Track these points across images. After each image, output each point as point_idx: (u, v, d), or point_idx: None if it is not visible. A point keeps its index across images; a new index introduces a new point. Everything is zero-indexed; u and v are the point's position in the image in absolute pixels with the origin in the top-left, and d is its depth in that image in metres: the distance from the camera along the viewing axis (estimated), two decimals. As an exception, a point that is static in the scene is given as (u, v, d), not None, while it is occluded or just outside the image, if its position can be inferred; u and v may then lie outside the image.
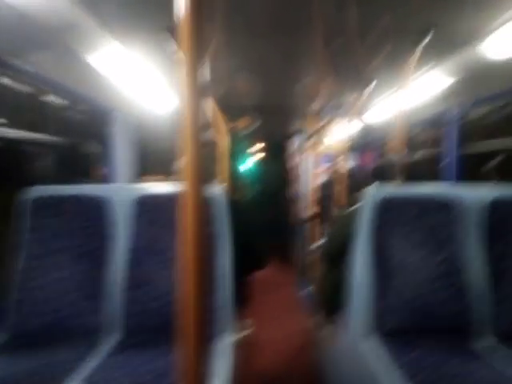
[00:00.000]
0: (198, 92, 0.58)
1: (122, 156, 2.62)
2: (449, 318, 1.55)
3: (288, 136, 5.98)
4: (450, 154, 2.81)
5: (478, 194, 1.71)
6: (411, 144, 3.66)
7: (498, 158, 2.61)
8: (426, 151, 3.61)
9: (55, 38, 1.55)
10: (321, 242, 3.22)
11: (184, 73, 0.57)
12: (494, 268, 1.61)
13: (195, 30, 0.56)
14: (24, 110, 1.94)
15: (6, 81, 1.73)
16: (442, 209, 1.65)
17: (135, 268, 1.62)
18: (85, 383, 1.22)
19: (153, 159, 3.77)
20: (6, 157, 1.87)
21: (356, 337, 1.71)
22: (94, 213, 1.68)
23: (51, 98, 2.05)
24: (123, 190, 1.82)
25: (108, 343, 1.52)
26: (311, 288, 3.87)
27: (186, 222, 0.59)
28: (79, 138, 2.26)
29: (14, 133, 1.78)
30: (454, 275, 1.58)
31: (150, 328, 1.57)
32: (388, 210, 1.64)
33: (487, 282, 1.61)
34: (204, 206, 0.60)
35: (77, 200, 1.67)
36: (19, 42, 1.53)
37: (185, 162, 0.59)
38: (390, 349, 1.43)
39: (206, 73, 2.22)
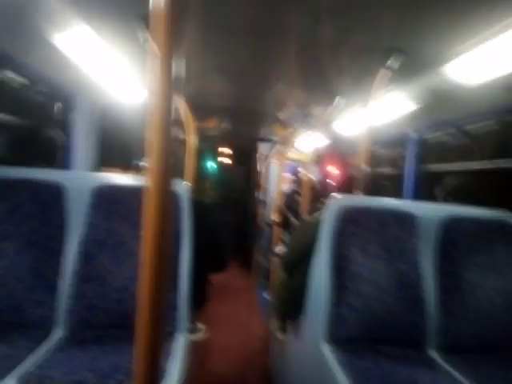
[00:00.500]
0: (171, 85, 0.56)
1: (82, 144, 2.49)
2: (400, 330, 1.60)
3: (256, 141, 6.01)
4: (409, 172, 2.95)
5: (434, 210, 1.80)
6: (374, 161, 3.82)
7: (452, 179, 2.77)
8: (387, 168, 3.77)
9: (20, 13, 1.45)
10: (281, 247, 3.24)
11: (157, 64, 0.55)
12: (445, 282, 1.69)
13: (170, 20, 0.55)
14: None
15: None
16: (400, 222, 1.71)
17: (86, 262, 1.53)
18: (16, 382, 1.13)
19: (114, 151, 3.63)
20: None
21: (310, 343, 1.72)
22: (48, 199, 1.57)
23: (9, 75, 1.91)
24: (81, 177, 1.73)
25: (49, 339, 1.42)
26: (269, 293, 3.88)
27: (150, 216, 0.56)
28: (38, 120, 2.12)
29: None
30: (407, 288, 1.64)
31: (95, 326, 1.49)
32: (349, 219, 1.68)
33: (437, 296, 1.68)
34: (169, 202, 0.58)
35: (29, 184, 1.56)
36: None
37: (153, 155, 0.56)
38: (341, 357, 1.46)
39: (179, 68, 2.17)
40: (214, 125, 3.40)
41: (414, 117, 2.64)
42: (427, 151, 2.93)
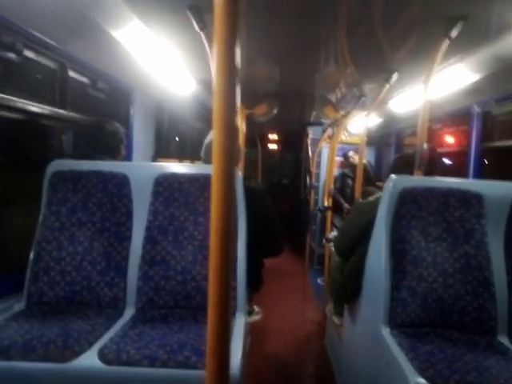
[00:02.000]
0: (236, 72, 0.57)
1: (141, 136, 2.64)
2: (466, 314, 1.53)
3: (306, 125, 5.92)
4: (474, 149, 2.75)
5: (500, 189, 1.67)
6: (434, 138, 3.60)
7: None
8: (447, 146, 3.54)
9: (80, 14, 1.54)
10: (334, 232, 3.21)
11: (220, 53, 0.55)
12: None
13: (233, 7, 0.54)
14: (48, 85, 1.95)
15: (31, 54, 1.73)
16: (464, 203, 1.62)
17: (151, 246, 1.64)
18: (97, 355, 1.24)
19: (170, 141, 3.78)
20: (29, 131, 1.90)
21: (368, 327, 1.71)
22: (114, 189, 1.69)
23: (74, 75, 2.05)
24: (144, 167, 1.84)
25: (122, 318, 1.54)
26: (324, 277, 3.87)
27: (216, 202, 0.58)
28: (100, 115, 2.28)
29: (37, 107, 1.79)
30: (474, 271, 1.55)
31: (161, 306, 1.59)
32: (408, 201, 1.62)
33: (508, 279, 1.58)
34: (233, 188, 0.59)
35: (97, 175, 1.69)
36: (45, 16, 1.53)
37: (218, 143, 0.57)
38: (403, 341, 1.42)
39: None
40: (263, 111, 3.40)
41: (478, 89, 2.44)
42: (494, 126, 2.70)
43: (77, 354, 1.24)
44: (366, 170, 4.33)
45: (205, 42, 1.84)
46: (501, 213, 1.63)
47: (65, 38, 1.76)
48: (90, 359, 1.24)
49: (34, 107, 1.78)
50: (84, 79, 2.19)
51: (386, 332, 1.51)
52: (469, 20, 1.69)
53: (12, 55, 1.62)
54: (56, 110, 1.93)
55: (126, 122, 2.57)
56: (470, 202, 1.62)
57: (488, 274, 1.56)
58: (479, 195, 1.62)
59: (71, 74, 2.02)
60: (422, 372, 1.23)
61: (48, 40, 1.70)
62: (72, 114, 2.04)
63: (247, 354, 1.65)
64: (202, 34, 1.78)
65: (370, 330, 1.69)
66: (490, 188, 1.67)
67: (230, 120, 0.57)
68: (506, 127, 2.66)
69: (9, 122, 1.72)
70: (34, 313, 1.49)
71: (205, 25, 1.74)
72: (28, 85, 1.85)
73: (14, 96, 1.64)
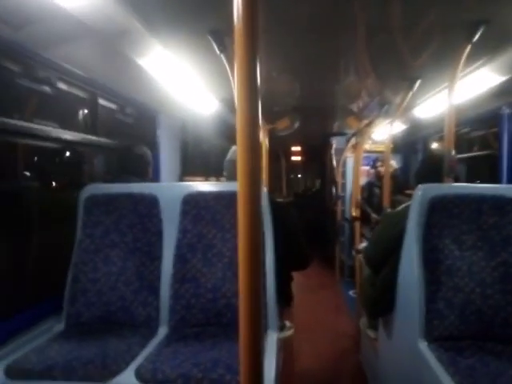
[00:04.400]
0: (258, 90, 0.59)
1: (167, 157, 2.71)
2: (507, 326, 1.45)
3: (329, 136, 5.90)
4: (504, 153, 2.65)
5: None
6: (462, 143, 3.50)
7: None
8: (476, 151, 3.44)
9: (108, 45, 1.63)
10: (364, 243, 3.14)
11: (242, 72, 0.57)
12: None
13: (252, 29, 0.57)
14: (79, 113, 2.06)
15: (63, 86, 1.84)
16: (498, 209, 1.56)
17: (182, 265, 1.67)
18: (135, 374, 1.27)
19: (195, 161, 3.87)
20: (64, 157, 2.00)
21: (404, 341, 1.65)
22: (144, 210, 1.75)
23: (103, 102, 2.16)
24: (171, 188, 1.89)
25: (155, 336, 1.57)
26: (355, 290, 3.78)
27: (243, 219, 0.59)
28: (128, 139, 2.37)
29: (70, 135, 1.89)
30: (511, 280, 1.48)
31: (194, 324, 1.61)
32: (439, 209, 1.58)
33: None
34: (259, 204, 0.60)
35: (128, 197, 1.76)
36: (76, 49, 1.62)
37: (243, 161, 0.59)
38: (442, 355, 1.37)
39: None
40: (285, 125, 3.43)
41: (506, 90, 2.36)
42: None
43: (115, 374, 1.27)
44: (393, 177, 4.25)
45: (225, 63, 1.90)
46: None
47: (94, 69, 1.86)
48: (127, 378, 1.26)
49: (67, 135, 1.87)
50: (113, 105, 2.30)
51: (423, 346, 1.46)
52: (490, 24, 1.66)
53: (46, 88, 1.73)
54: (87, 136, 2.03)
55: (153, 143, 2.66)
56: (505, 208, 1.56)
57: None
58: None
59: (101, 101, 2.12)
60: None
61: (79, 72, 1.80)
62: (103, 140, 2.14)
63: (281, 371, 1.63)
64: (222, 56, 1.84)
65: (406, 344, 1.64)
66: None
67: (253, 137, 0.58)
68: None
69: (44, 151, 1.83)
70: (73, 333, 1.55)
71: (225, 47, 1.79)
72: (60, 114, 1.96)
73: (48, 125, 1.74)
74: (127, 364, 1.33)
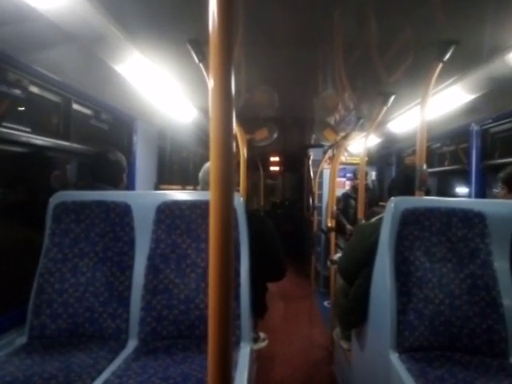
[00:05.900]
0: (232, 100, 0.58)
1: (143, 165, 2.67)
2: (476, 337, 1.49)
3: (307, 148, 5.98)
4: (474, 167, 2.76)
5: (503, 208, 1.67)
6: (433, 157, 3.62)
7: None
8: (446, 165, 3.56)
9: (85, 50, 1.60)
10: (339, 254, 3.18)
11: (216, 82, 0.57)
12: None
13: (227, 40, 0.57)
14: (51, 118, 2.00)
15: (36, 90, 1.78)
16: (467, 222, 1.61)
17: (154, 275, 1.63)
18: None
19: (171, 168, 3.82)
20: (33, 163, 1.93)
21: (376, 352, 1.67)
22: (116, 218, 1.70)
23: (78, 107, 2.11)
24: (145, 196, 1.85)
25: (124, 350, 1.52)
26: (330, 300, 3.81)
27: (215, 229, 0.58)
28: (103, 145, 2.32)
29: (41, 140, 1.83)
30: (481, 291, 1.53)
31: (165, 336, 1.57)
32: (410, 222, 1.61)
33: None
34: (232, 215, 0.60)
35: (100, 205, 1.70)
36: (51, 53, 1.58)
37: (215, 170, 0.58)
38: (412, 366, 1.39)
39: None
40: (264, 136, 3.45)
41: (475, 108, 2.47)
42: (494, 144, 2.72)
43: None
44: (368, 190, 4.34)
45: (204, 72, 1.90)
46: (504, 231, 1.62)
47: (69, 74, 1.81)
48: None
49: (38, 140, 1.81)
50: (88, 111, 2.24)
51: (394, 357, 1.47)
52: (461, 44, 1.73)
53: (17, 91, 1.67)
54: (59, 141, 1.97)
55: (129, 150, 2.61)
56: (473, 221, 1.61)
57: (495, 293, 1.53)
58: (482, 214, 1.62)
59: (75, 106, 2.07)
60: None
61: (53, 76, 1.75)
62: (75, 145, 2.08)
63: (254, 383, 1.61)
64: (201, 65, 1.84)
65: (378, 354, 1.65)
66: (493, 207, 1.66)
67: (226, 146, 0.58)
68: (506, 145, 2.67)
69: (13, 156, 1.76)
70: (36, 347, 1.47)
71: (204, 56, 1.79)
72: (32, 118, 1.90)
73: (17, 130, 1.68)
74: (93, 379, 1.27)
